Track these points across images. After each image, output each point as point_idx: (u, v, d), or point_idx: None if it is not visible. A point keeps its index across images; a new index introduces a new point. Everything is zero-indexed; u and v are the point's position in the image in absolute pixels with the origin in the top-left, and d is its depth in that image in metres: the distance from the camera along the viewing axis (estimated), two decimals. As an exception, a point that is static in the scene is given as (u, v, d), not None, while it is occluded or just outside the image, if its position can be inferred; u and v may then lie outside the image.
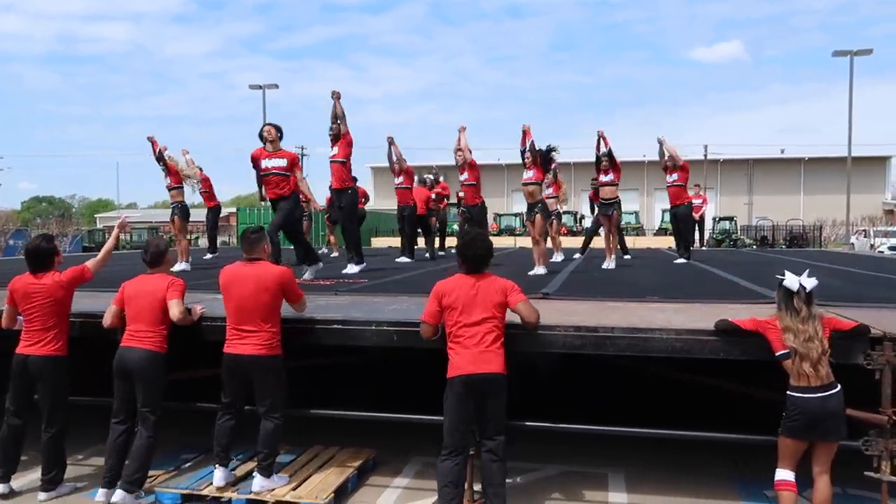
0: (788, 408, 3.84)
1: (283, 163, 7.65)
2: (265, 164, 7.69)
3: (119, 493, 4.51)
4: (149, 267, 4.87)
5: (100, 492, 4.61)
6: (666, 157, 10.39)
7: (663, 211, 38.59)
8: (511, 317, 4.29)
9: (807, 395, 3.76)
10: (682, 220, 10.93)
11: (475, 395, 4.07)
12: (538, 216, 8.56)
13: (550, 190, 11.16)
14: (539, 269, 8.59)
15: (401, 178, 11.72)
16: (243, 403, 4.70)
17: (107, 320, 4.80)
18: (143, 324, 4.64)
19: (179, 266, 9.21)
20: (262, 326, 4.48)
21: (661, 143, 10.42)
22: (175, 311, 4.63)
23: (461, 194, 11.03)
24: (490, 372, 4.04)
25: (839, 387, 3.80)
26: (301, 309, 4.76)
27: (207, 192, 12.03)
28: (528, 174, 8.51)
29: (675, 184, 10.47)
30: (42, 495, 4.75)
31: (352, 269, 8.64)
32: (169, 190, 10.07)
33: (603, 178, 9.95)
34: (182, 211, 9.95)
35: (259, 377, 4.53)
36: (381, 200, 45.61)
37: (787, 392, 3.85)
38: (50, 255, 4.84)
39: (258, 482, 4.60)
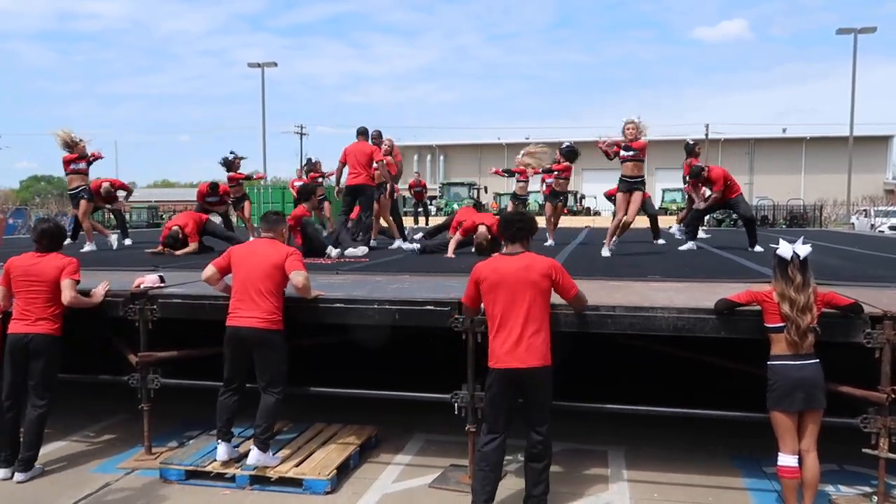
0: (769, 378, 3.90)
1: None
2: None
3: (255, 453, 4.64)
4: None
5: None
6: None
7: (664, 190, 38.52)
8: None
9: (785, 362, 3.84)
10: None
11: (515, 387, 3.96)
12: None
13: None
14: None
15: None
16: (244, 379, 4.72)
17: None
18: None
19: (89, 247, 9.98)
20: (264, 300, 4.52)
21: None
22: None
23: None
24: (529, 367, 3.87)
25: (818, 360, 3.86)
26: (304, 289, 4.64)
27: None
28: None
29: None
30: (20, 476, 4.66)
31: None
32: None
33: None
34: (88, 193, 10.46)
35: (259, 351, 4.56)
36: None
37: (768, 363, 3.91)
38: (59, 237, 4.93)
39: (254, 455, 4.66)
